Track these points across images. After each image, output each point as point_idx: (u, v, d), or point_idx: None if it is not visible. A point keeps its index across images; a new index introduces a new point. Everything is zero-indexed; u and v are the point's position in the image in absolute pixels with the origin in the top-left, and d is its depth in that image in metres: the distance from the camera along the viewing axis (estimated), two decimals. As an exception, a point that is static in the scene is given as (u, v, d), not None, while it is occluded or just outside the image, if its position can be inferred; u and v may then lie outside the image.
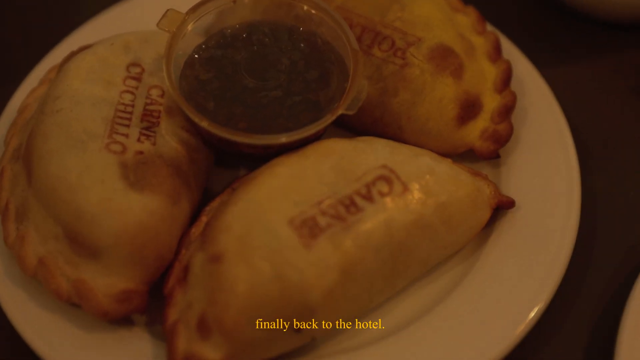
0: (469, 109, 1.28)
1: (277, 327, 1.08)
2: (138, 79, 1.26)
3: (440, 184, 1.17)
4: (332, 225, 1.11)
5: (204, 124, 1.17)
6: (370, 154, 1.18)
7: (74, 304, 1.16)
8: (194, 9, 1.26)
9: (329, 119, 1.18)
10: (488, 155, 1.28)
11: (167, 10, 1.24)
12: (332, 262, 1.09)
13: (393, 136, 1.28)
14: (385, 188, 1.14)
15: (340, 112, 1.18)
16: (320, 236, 1.10)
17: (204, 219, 1.20)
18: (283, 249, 1.09)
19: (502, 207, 1.23)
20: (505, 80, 1.32)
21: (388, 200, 1.14)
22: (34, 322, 1.16)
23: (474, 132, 1.29)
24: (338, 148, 1.18)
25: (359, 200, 1.13)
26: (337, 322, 1.13)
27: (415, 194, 1.15)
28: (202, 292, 1.10)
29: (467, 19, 1.36)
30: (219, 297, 1.08)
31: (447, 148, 1.29)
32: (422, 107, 1.27)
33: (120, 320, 1.16)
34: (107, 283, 1.14)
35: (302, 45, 1.26)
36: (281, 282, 1.07)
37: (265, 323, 1.07)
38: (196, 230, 1.20)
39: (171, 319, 1.13)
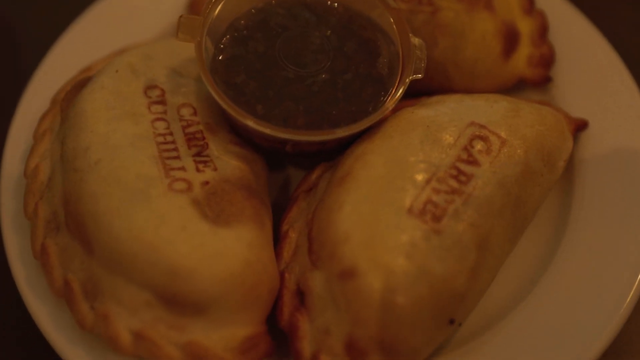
0: (511, 38, 1.20)
1: (435, 324, 0.98)
2: (162, 102, 1.10)
3: (529, 124, 1.10)
4: (451, 201, 1.01)
5: (268, 130, 1.03)
6: (451, 114, 1.09)
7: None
8: (207, 8, 1.10)
9: (402, 89, 1.07)
10: (541, 80, 1.22)
11: (180, 17, 1.08)
12: (467, 241, 1.00)
13: (439, 88, 1.19)
14: (483, 146, 1.06)
15: (409, 78, 1.07)
16: (445, 217, 1.00)
17: (292, 235, 1.07)
18: (415, 242, 0.98)
19: (578, 129, 1.17)
20: (531, 1, 1.25)
21: (491, 158, 1.05)
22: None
23: (521, 62, 1.22)
24: (417, 118, 1.08)
25: (464, 167, 1.04)
26: (478, 301, 1.04)
27: (514, 143, 1.07)
28: (339, 314, 0.98)
29: None
30: (367, 314, 0.96)
31: (498, 85, 1.22)
32: (467, 50, 1.19)
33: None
34: (223, 336, 1.00)
35: (325, 17, 1.13)
36: (428, 277, 0.97)
37: (424, 326, 0.97)
38: (288, 248, 1.07)
39: (307, 351, 1.00)
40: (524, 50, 1.22)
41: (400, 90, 1.07)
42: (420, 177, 1.02)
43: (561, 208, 1.17)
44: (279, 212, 1.12)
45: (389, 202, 1.01)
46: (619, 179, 1.15)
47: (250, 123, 1.03)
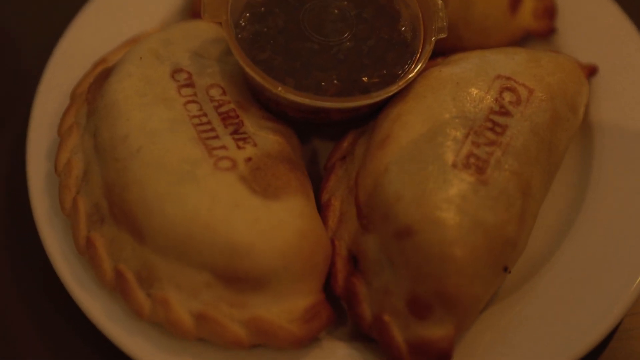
0: (516, -8, 1.23)
1: (492, 272, 1.01)
2: (191, 84, 1.10)
3: (550, 71, 1.13)
4: (491, 152, 1.04)
5: (306, 100, 1.04)
6: (477, 70, 1.11)
7: (256, 346, 1.02)
8: None
9: (429, 49, 1.09)
10: (546, 31, 1.26)
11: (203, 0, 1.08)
12: (512, 189, 1.03)
13: (451, 48, 1.21)
14: (512, 97, 1.09)
15: (434, 37, 1.09)
16: (488, 168, 1.03)
17: (335, 203, 1.09)
18: (465, 195, 1.00)
19: (589, 74, 1.21)
20: (529, -44, 1.28)
21: (522, 108, 1.08)
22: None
23: (527, 15, 1.25)
24: (445, 76, 1.10)
25: (497, 118, 1.06)
26: (525, 247, 1.07)
27: (540, 91, 1.10)
28: (397, 273, 1.00)
29: None
30: (428, 269, 0.98)
31: (507, 40, 1.25)
32: (476, 7, 1.21)
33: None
34: (285, 309, 1.01)
35: None
36: (481, 228, 0.99)
37: (482, 275, 1.00)
38: (332, 216, 1.08)
39: (368, 314, 1.02)
40: (528, 4, 1.25)
41: (428, 50, 1.08)
42: (458, 132, 1.05)
43: (583, 154, 1.20)
44: (313, 184, 1.13)
45: (433, 159, 1.03)
46: (633, 121, 1.19)
47: (288, 94, 1.04)
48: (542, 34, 1.25)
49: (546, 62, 1.14)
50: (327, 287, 1.05)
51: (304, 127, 1.18)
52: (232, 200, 1.00)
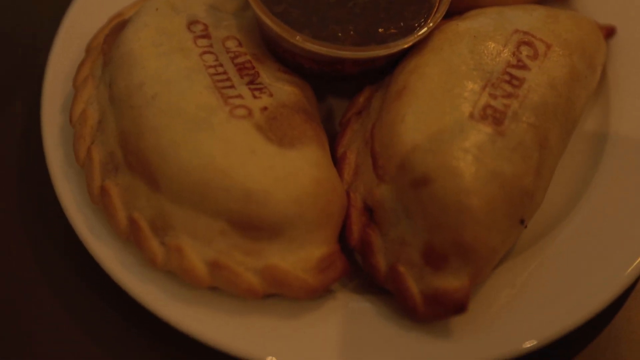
0: (533, -48, 1.22)
1: (509, 224, 1.00)
2: (207, 36, 1.09)
3: (568, 29, 1.12)
4: (509, 105, 1.03)
5: (323, 49, 1.04)
6: (495, 24, 1.11)
7: (271, 295, 1.01)
8: None
9: (446, 1, 1.08)
10: (565, -11, 1.24)
11: None
12: (529, 141, 1.02)
13: (467, 7, 1.20)
14: (530, 51, 1.08)
15: None
16: (505, 120, 1.02)
17: (350, 156, 1.08)
18: (482, 145, 1.00)
19: (607, 35, 1.20)
20: None
21: (539, 62, 1.07)
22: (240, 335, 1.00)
23: (545, -25, 1.24)
24: (463, 30, 1.10)
25: (515, 72, 1.06)
26: (542, 201, 1.06)
27: (558, 47, 1.10)
28: (413, 223, 0.99)
29: None
30: (444, 219, 0.97)
31: (524, 1, 1.23)
32: (494, -36, 1.20)
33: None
34: (300, 258, 1.00)
35: None
36: (498, 178, 0.99)
37: (499, 225, 0.99)
38: (348, 169, 1.07)
39: (383, 265, 1.01)
40: (546, -36, 1.24)
41: (445, 1, 1.08)
42: (475, 84, 1.04)
43: (600, 113, 1.19)
44: (328, 140, 1.12)
45: (450, 109, 1.02)
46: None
47: (305, 43, 1.03)
48: (560, -6, 1.24)
49: (564, 19, 1.13)
50: (342, 239, 1.04)
51: (320, 84, 1.18)
52: (247, 147, 0.99)
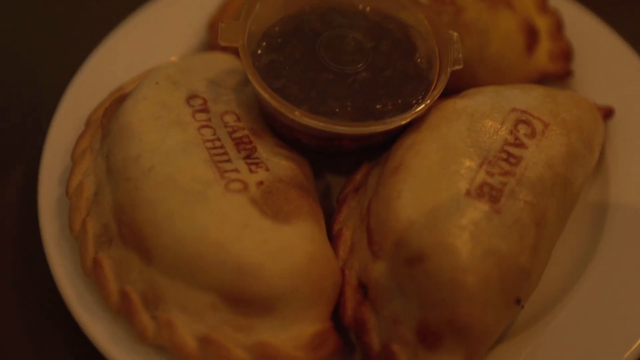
0: (532, 34, 1.24)
1: (504, 303, 0.98)
2: (206, 110, 1.10)
3: (566, 108, 1.12)
4: (506, 182, 1.02)
5: (320, 124, 1.04)
6: (492, 103, 1.11)
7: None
8: (246, 17, 1.10)
9: (444, 79, 1.09)
10: (563, 74, 1.26)
11: (221, 24, 1.08)
12: (526, 219, 1.01)
13: (466, 86, 1.21)
14: (527, 130, 1.08)
15: (450, 69, 1.09)
16: (502, 197, 1.01)
17: (346, 233, 1.07)
18: (478, 223, 0.99)
19: (606, 116, 1.20)
20: (544, 0, 1.29)
21: (537, 141, 1.07)
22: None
23: (543, 57, 1.25)
24: (460, 108, 1.10)
25: (512, 150, 1.05)
26: (538, 281, 1.05)
27: (556, 126, 1.10)
28: (407, 300, 0.98)
29: None
30: (439, 296, 0.96)
31: (523, 81, 1.25)
32: (492, 47, 1.21)
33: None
34: (292, 335, 0.98)
35: (357, 20, 1.15)
36: (494, 256, 0.98)
37: (495, 304, 0.97)
38: (343, 246, 1.07)
39: (377, 344, 0.99)
40: (545, 46, 1.25)
41: (443, 80, 1.08)
42: (472, 162, 1.04)
43: (599, 195, 1.19)
44: (325, 217, 1.11)
45: (446, 186, 1.01)
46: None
47: (303, 118, 1.03)
48: (558, 77, 1.24)
49: (562, 99, 1.14)
50: (337, 318, 1.03)
51: (318, 160, 1.18)
52: (242, 221, 0.99)
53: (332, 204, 1.18)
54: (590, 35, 1.31)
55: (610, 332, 1.04)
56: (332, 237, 1.08)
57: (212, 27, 1.31)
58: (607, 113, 1.21)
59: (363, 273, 1.02)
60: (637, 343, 1.03)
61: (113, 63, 1.27)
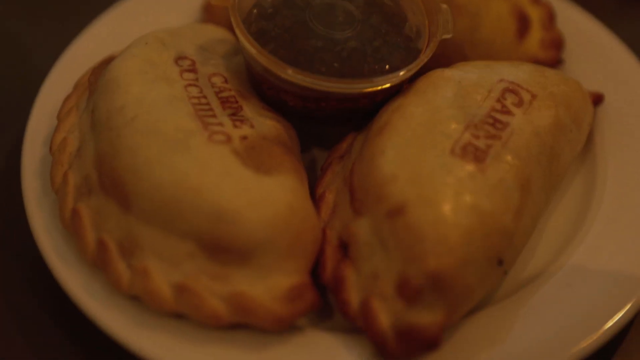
0: (524, 20, 1.25)
1: (486, 261, 0.97)
2: (193, 70, 1.10)
3: (555, 83, 1.12)
4: (491, 145, 1.02)
5: (308, 81, 1.03)
6: (480, 73, 1.11)
7: (235, 325, 0.97)
8: None
9: (433, 45, 1.09)
10: (553, 62, 1.26)
11: None
12: (510, 181, 1.00)
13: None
14: (515, 99, 1.08)
15: (439, 38, 1.09)
16: (487, 158, 1.00)
17: (329, 196, 1.06)
18: (462, 180, 0.98)
19: (595, 102, 1.20)
20: (536, -11, 1.30)
21: (524, 109, 1.07)
22: None
23: (534, 44, 1.26)
24: (448, 76, 1.10)
25: (499, 116, 1.05)
26: (522, 248, 1.03)
27: (543, 97, 1.09)
28: (388, 255, 0.96)
29: None
30: (420, 248, 0.94)
31: (513, 65, 1.24)
32: (483, 29, 1.22)
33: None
34: (268, 286, 0.96)
35: None
36: (477, 212, 0.96)
37: (476, 261, 0.96)
38: (326, 208, 1.05)
39: (355, 300, 0.97)
40: (536, 34, 1.26)
41: (431, 47, 1.08)
42: (458, 124, 1.03)
43: (586, 180, 1.19)
44: (310, 188, 1.10)
45: (431, 145, 1.01)
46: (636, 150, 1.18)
47: (290, 72, 1.03)
48: (549, 64, 1.24)
49: (551, 74, 1.14)
50: (318, 280, 1.01)
51: (305, 132, 1.17)
52: (223, 169, 0.98)
53: (317, 175, 1.17)
54: (581, 28, 1.32)
55: (593, 305, 1.02)
56: (315, 200, 1.07)
57: (206, 8, 1.32)
58: (597, 99, 1.20)
59: (344, 231, 1.01)
60: (617, 316, 1.01)
61: (105, 38, 1.27)
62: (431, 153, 1.00)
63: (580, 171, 1.19)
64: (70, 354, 1.05)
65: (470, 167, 0.99)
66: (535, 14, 1.28)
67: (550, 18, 1.28)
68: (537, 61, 1.24)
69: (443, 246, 0.94)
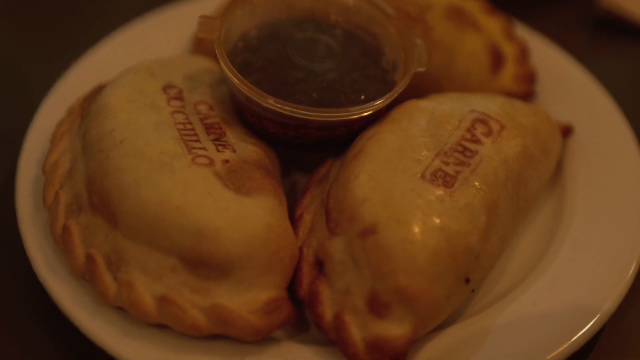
0: (497, 56, 1.31)
1: (453, 279, 1.02)
2: (180, 98, 1.16)
3: (525, 115, 1.19)
4: (460, 171, 1.08)
5: (286, 109, 1.09)
6: (452, 104, 1.17)
7: (216, 335, 1.02)
8: (225, 15, 1.18)
9: (407, 78, 1.15)
10: (526, 94, 1.32)
11: (200, 17, 1.16)
12: (477, 204, 1.06)
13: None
14: (484, 129, 1.14)
15: (413, 70, 1.16)
16: (455, 183, 1.07)
17: (306, 216, 1.12)
18: (431, 203, 1.04)
19: (565, 132, 1.26)
20: (510, 29, 1.37)
21: (493, 139, 1.13)
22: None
23: (508, 77, 1.32)
24: (422, 106, 1.16)
25: (469, 145, 1.11)
26: (490, 268, 1.09)
27: (512, 127, 1.16)
28: (360, 272, 1.02)
29: None
30: (388, 266, 1.00)
31: (487, 99, 1.30)
32: (458, 63, 1.29)
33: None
34: (246, 299, 1.02)
35: (331, 30, 1.23)
36: (444, 233, 1.02)
37: (443, 279, 1.01)
38: (304, 228, 1.11)
39: (328, 314, 1.03)
40: (510, 68, 1.32)
41: (406, 79, 1.15)
42: (429, 152, 1.09)
43: (555, 209, 1.24)
44: (289, 210, 1.16)
45: (402, 170, 1.07)
46: (606, 182, 1.23)
47: (271, 101, 1.09)
48: (521, 97, 1.30)
49: (521, 106, 1.20)
50: (294, 293, 1.07)
51: (286, 157, 1.23)
52: (205, 190, 1.04)
53: (297, 198, 1.22)
54: (553, 63, 1.38)
55: (554, 327, 1.07)
56: (294, 221, 1.13)
57: (196, 40, 1.39)
58: (566, 130, 1.27)
59: (320, 250, 1.06)
60: (578, 334, 1.06)
61: (99, 67, 1.33)
62: (402, 177, 1.06)
63: (550, 198, 1.24)
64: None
65: (439, 191, 1.05)
66: (509, 50, 1.34)
67: (523, 53, 1.34)
68: (510, 94, 1.30)
69: (411, 264, 1.00)
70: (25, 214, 1.14)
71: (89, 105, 1.18)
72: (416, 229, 1.01)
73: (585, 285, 1.11)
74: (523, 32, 1.42)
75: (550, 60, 1.39)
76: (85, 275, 1.05)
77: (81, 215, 1.08)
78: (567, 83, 1.36)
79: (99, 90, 1.20)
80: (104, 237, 1.05)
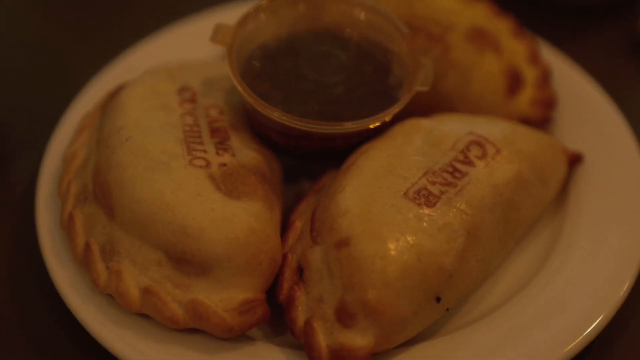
0: (515, 79, 1.31)
1: (422, 297, 1.05)
2: (193, 100, 1.22)
3: (524, 140, 1.19)
4: (445, 191, 1.10)
5: (285, 119, 1.14)
6: (453, 125, 1.19)
7: (195, 330, 1.08)
8: (241, 23, 1.23)
9: (407, 96, 1.18)
10: (542, 120, 1.32)
11: (215, 25, 1.22)
12: (457, 226, 1.08)
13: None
14: (479, 152, 1.15)
15: (415, 89, 1.18)
16: (438, 203, 1.09)
17: (297, 224, 1.16)
18: (408, 221, 1.06)
19: (573, 160, 1.26)
20: (535, 53, 1.37)
21: (486, 162, 1.14)
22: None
23: (524, 101, 1.32)
24: (422, 125, 1.19)
25: (460, 166, 1.13)
26: (466, 289, 1.11)
27: (508, 152, 1.16)
28: (333, 282, 1.06)
29: (482, 6, 1.40)
30: (358, 278, 1.03)
31: (502, 121, 1.31)
32: (473, 84, 1.30)
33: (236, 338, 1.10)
34: (224, 297, 1.07)
35: (346, 44, 1.26)
36: (417, 250, 1.05)
37: (411, 295, 1.04)
38: (293, 235, 1.15)
39: (301, 319, 1.07)
40: (528, 92, 1.32)
41: (406, 97, 1.17)
42: (418, 170, 1.12)
43: (554, 234, 1.25)
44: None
45: (388, 186, 1.10)
46: (613, 212, 1.23)
47: (276, 114, 1.14)
48: (537, 122, 1.30)
49: (524, 132, 1.21)
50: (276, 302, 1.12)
51: (294, 166, 1.28)
52: (195, 190, 1.09)
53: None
54: (577, 89, 1.37)
55: (535, 346, 1.09)
56: (286, 227, 1.17)
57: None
58: (575, 158, 1.26)
59: (302, 257, 1.11)
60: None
61: (134, 69, 1.39)
62: (385, 193, 1.09)
63: (550, 225, 1.24)
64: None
65: (419, 210, 1.07)
66: (530, 73, 1.34)
67: (544, 78, 1.34)
68: (525, 118, 1.31)
69: (379, 278, 1.03)
70: (42, 200, 1.23)
71: (110, 100, 1.25)
72: (389, 245, 1.04)
73: (565, 318, 1.12)
74: (550, 54, 1.41)
75: (574, 85, 1.38)
76: (83, 262, 1.13)
77: (86, 205, 1.15)
78: (587, 110, 1.34)
79: (122, 87, 1.27)
80: (102, 228, 1.12)
